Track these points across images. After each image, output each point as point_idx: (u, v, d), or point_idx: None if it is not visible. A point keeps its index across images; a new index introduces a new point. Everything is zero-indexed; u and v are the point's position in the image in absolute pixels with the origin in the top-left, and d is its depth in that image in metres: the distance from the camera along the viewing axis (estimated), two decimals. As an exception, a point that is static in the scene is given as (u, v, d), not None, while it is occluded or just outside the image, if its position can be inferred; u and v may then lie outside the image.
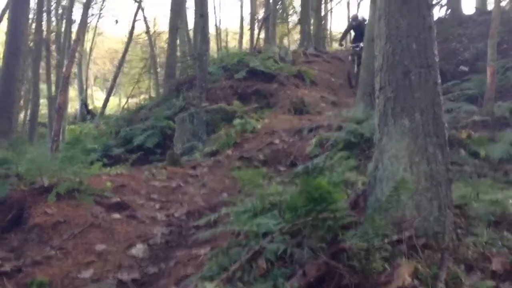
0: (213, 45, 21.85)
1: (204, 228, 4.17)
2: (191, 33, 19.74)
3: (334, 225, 2.46)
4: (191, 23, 20.24)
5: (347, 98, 11.54)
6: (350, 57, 12.79)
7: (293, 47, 23.10)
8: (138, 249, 4.13)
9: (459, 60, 11.52)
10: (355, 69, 12.03)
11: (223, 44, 26.02)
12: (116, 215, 4.76)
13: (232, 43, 29.10)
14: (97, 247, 4.14)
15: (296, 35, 26.37)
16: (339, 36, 18.94)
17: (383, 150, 3.09)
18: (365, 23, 12.13)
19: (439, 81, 3.16)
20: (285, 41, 26.73)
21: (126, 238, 4.33)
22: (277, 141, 7.75)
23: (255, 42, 20.45)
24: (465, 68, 10.84)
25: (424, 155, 2.96)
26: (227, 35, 29.06)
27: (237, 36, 28.10)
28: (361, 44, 11.41)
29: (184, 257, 3.81)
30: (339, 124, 7.21)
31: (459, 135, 6.12)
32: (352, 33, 13.15)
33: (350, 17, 14.05)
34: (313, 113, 10.16)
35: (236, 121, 8.91)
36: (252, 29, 23.98)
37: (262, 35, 20.88)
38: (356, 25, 12.45)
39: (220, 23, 26.85)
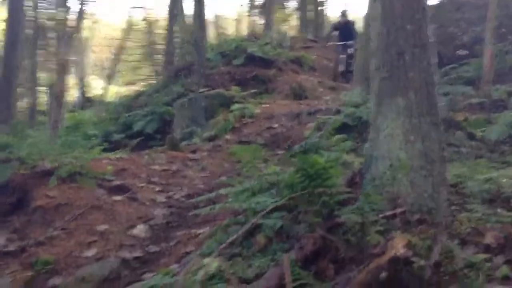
0: (211, 31, 21.76)
1: (204, 209, 4.25)
2: (189, 20, 19.65)
3: (329, 200, 2.53)
4: (189, 10, 20.15)
5: (345, 83, 11.57)
6: (340, 56, 12.16)
7: (291, 33, 23.03)
8: (140, 229, 4.22)
9: (457, 44, 11.53)
10: (344, 66, 11.94)
11: (221, 30, 25.91)
12: (117, 197, 4.84)
13: (230, 30, 28.96)
14: (99, 227, 4.23)
15: (294, 21, 26.26)
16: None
17: (378, 129, 3.15)
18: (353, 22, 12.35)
19: (433, 61, 3.21)
20: (284, 26, 26.61)
21: (128, 219, 4.42)
22: (275, 125, 7.81)
23: (253, 28, 20.39)
24: (463, 52, 10.86)
25: (418, 134, 3.02)
26: (225, 22, 28.90)
27: (235, 23, 27.97)
28: (351, 42, 11.56)
29: (185, 237, 3.89)
30: (337, 108, 7.27)
31: (456, 117, 6.19)
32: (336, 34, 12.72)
33: (340, 12, 13.37)
34: (312, 98, 10.20)
35: (235, 106, 8.95)
36: (250, 15, 23.90)
37: (261, 21, 20.80)
38: (343, 22, 12.24)
39: (218, 9, 26.80)
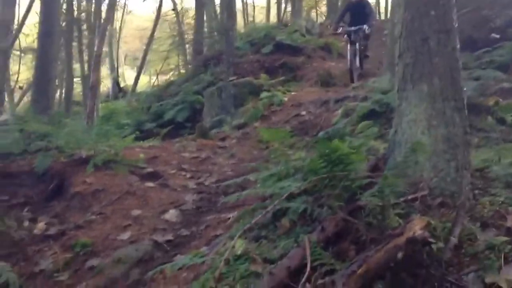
0: (240, 20, 21.83)
1: (232, 196, 4.40)
2: (217, 9, 19.80)
3: (351, 184, 2.61)
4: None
5: (375, 69, 11.47)
6: (348, 46, 9.82)
7: (320, 19, 22.88)
8: (171, 214, 4.41)
9: (490, 27, 11.23)
10: (357, 60, 9.77)
11: (250, 18, 25.94)
12: (150, 184, 5.05)
13: (259, 17, 28.94)
14: (133, 212, 4.44)
15: (323, 7, 26.04)
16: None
17: (402, 115, 3.20)
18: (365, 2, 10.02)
19: (458, 46, 3.21)
20: (313, 13, 26.44)
21: (160, 204, 4.62)
22: (303, 113, 7.88)
23: (282, 15, 20.35)
24: (497, 36, 10.58)
25: (442, 119, 3.05)
26: (254, 10, 28.91)
27: (264, 10, 27.94)
28: (365, 27, 9.42)
29: (214, 221, 4.05)
30: (365, 95, 7.27)
31: (486, 102, 6.10)
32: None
33: None
34: (340, 85, 10.19)
35: (263, 94, 9.06)
36: (279, 3, 23.84)
37: (289, 8, 20.73)
38: (356, 2, 9.83)
39: (247, -2, 26.87)
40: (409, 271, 2.25)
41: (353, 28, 9.61)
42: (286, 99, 8.98)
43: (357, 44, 9.57)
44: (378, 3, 26.00)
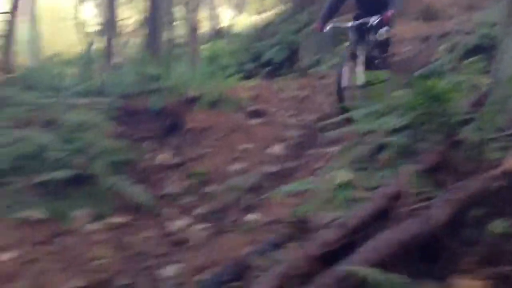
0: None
1: (333, 132, 4.64)
2: None
3: (449, 120, 2.72)
4: None
5: (485, 0, 10.64)
6: (348, 52, 5.51)
7: None
8: (276, 148, 4.81)
9: None
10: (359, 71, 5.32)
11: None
12: (254, 121, 5.45)
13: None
14: (240, 146, 4.88)
15: None
16: None
17: (504, 51, 3.15)
18: None
19: None
20: None
21: (264, 139, 5.01)
22: (404, 49, 7.70)
23: None
24: None
25: (546, 55, 2.98)
26: None
27: None
28: (372, 20, 5.37)
29: (316, 155, 4.35)
30: (471, 29, 6.92)
31: None
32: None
33: None
34: (444, 19, 9.65)
35: (362, 31, 8.90)
36: None
37: None
38: None
39: None
40: (507, 201, 2.38)
41: (361, 21, 5.52)
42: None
43: (360, 57, 5.36)
44: None
